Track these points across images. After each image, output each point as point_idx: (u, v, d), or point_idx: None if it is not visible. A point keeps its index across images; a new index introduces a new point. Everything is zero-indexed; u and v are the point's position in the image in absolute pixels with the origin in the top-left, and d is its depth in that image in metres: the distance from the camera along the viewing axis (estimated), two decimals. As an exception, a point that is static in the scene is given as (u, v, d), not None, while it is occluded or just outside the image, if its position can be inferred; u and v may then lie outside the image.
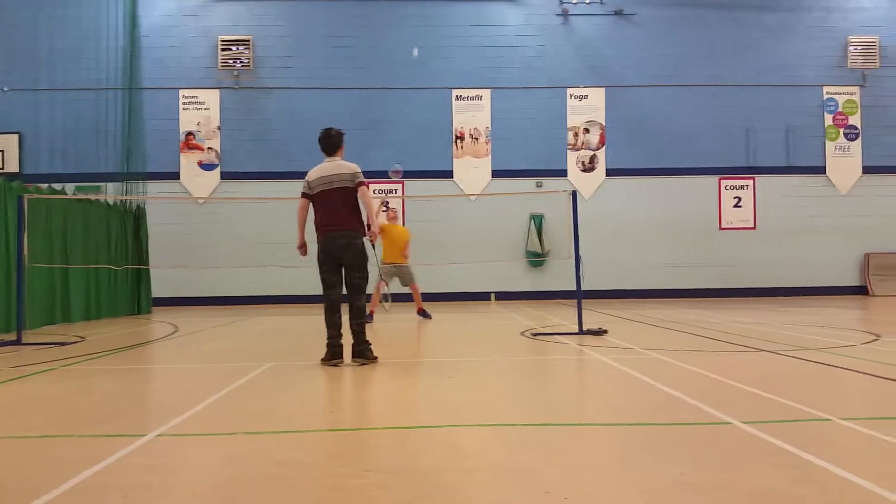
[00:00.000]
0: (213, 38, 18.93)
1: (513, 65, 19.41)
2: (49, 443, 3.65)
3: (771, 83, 19.59)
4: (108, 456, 3.28)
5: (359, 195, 6.49)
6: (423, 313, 11.95)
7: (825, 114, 19.75)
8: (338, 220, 6.39)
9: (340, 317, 6.41)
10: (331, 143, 6.62)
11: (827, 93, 19.76)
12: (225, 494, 2.82)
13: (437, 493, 2.76)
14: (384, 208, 12.70)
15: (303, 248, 6.80)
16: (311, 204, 6.58)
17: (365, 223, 6.55)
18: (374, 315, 11.34)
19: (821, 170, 19.73)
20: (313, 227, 6.50)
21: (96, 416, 4.36)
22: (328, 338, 6.37)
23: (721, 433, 3.65)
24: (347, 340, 6.40)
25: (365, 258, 6.48)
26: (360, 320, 6.42)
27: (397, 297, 15.96)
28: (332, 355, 6.31)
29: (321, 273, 6.44)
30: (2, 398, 5.04)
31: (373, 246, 6.73)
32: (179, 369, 6.74)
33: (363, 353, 6.36)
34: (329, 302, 6.41)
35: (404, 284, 11.91)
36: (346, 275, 6.44)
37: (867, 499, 2.62)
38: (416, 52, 10.25)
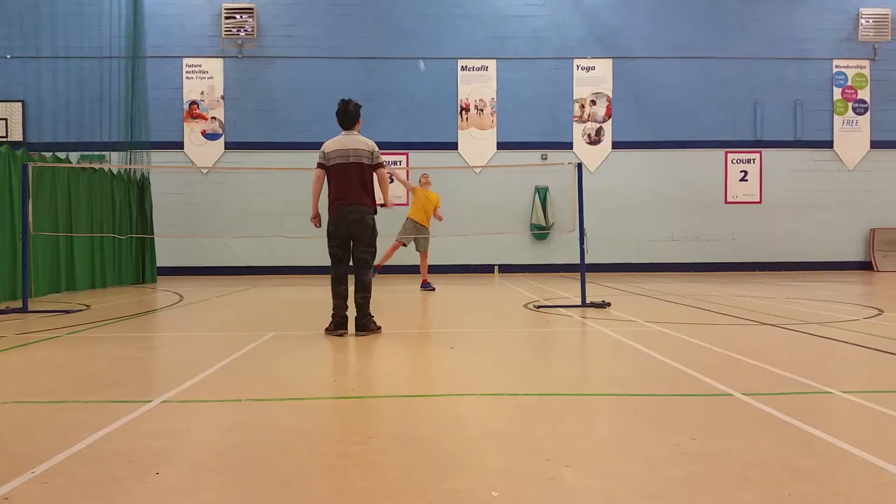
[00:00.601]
0: (217, 6, 18.74)
1: (519, 35, 19.18)
2: (55, 408, 3.69)
3: (779, 56, 19.36)
4: (114, 421, 3.32)
5: (377, 176, 6.68)
6: (426, 285, 12.03)
7: (834, 87, 19.54)
8: (351, 195, 6.46)
9: (346, 288, 6.52)
10: (349, 116, 6.66)
11: (836, 66, 19.52)
12: (230, 460, 2.85)
13: (439, 459, 2.79)
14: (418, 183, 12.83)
15: (317, 218, 6.86)
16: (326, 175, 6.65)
17: (377, 202, 6.68)
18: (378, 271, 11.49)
19: (828, 144, 19.57)
20: (327, 200, 6.55)
21: (101, 382, 4.40)
22: (333, 308, 6.45)
23: (722, 404, 3.67)
24: (352, 312, 6.48)
25: (374, 234, 6.56)
26: (365, 294, 6.49)
27: (401, 269, 16.00)
28: (337, 325, 6.39)
29: (330, 247, 6.52)
30: (8, 364, 5.09)
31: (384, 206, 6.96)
32: (184, 337, 6.79)
33: (366, 325, 6.45)
34: (336, 274, 6.53)
35: (418, 249, 12.19)
36: (354, 248, 6.52)
37: (867, 470, 2.64)
38: (422, 64, 10.40)
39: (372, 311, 6.55)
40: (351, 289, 6.51)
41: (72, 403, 3.78)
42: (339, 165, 6.51)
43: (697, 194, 19.33)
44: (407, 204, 13.19)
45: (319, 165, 6.65)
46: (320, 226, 6.83)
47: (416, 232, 11.95)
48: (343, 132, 6.67)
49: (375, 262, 10.67)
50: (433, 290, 11.92)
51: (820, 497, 2.35)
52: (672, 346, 5.61)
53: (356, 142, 6.58)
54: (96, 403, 3.76)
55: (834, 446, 2.90)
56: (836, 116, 19.54)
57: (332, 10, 18.95)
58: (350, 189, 6.47)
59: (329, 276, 6.62)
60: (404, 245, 12.24)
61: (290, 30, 18.95)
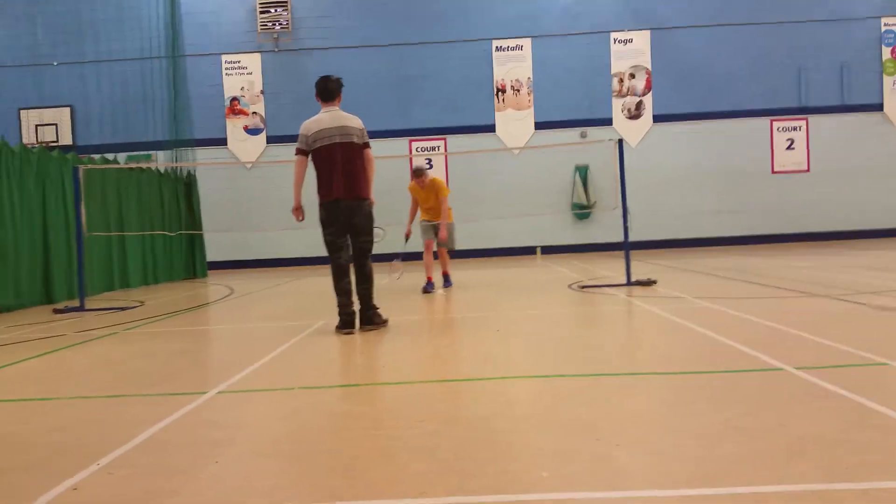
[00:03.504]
0: (251, 1, 18.93)
1: (553, 11, 18.95)
2: (116, 402, 3.82)
3: (822, 18, 18.74)
4: (173, 413, 3.43)
5: (366, 159, 5.93)
6: (430, 285, 9.48)
7: (882, 47, 18.86)
8: (342, 182, 5.79)
9: (349, 282, 5.97)
10: (328, 88, 5.96)
11: (885, 24, 18.82)
12: (286, 447, 2.93)
13: (490, 441, 2.82)
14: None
15: (298, 210, 6.06)
16: (309, 161, 5.96)
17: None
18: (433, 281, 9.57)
19: (878, 107, 18.92)
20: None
21: (159, 375, 4.54)
22: (339, 306, 5.92)
23: (774, 379, 3.63)
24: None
25: (372, 221, 6.01)
26: (368, 285, 6.00)
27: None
28: (345, 324, 5.88)
29: (325, 235, 5.93)
30: (69, 361, 5.28)
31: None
32: (237, 329, 6.94)
33: (371, 318, 5.96)
34: (337, 266, 5.95)
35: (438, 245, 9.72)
36: (353, 239, 5.95)
37: (926, 440, 2.58)
38: (398, 267, 8.10)
39: (406, 299, 6.39)
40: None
41: (132, 397, 3.91)
42: (324, 148, 5.81)
43: (742, 165, 18.91)
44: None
45: (299, 151, 5.93)
46: (303, 219, 6.06)
47: (432, 227, 9.60)
48: (323, 109, 5.94)
49: (427, 275, 9.47)
50: (450, 285, 9.83)
51: (877, 469, 2.32)
52: (721, 322, 5.54)
53: (342, 118, 5.85)
54: (155, 396, 3.89)
55: (891, 419, 2.84)
56: (885, 77, 18.87)
57: (364, -2, 19.00)
58: (339, 175, 5.78)
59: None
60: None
61: (324, 21, 19.04)
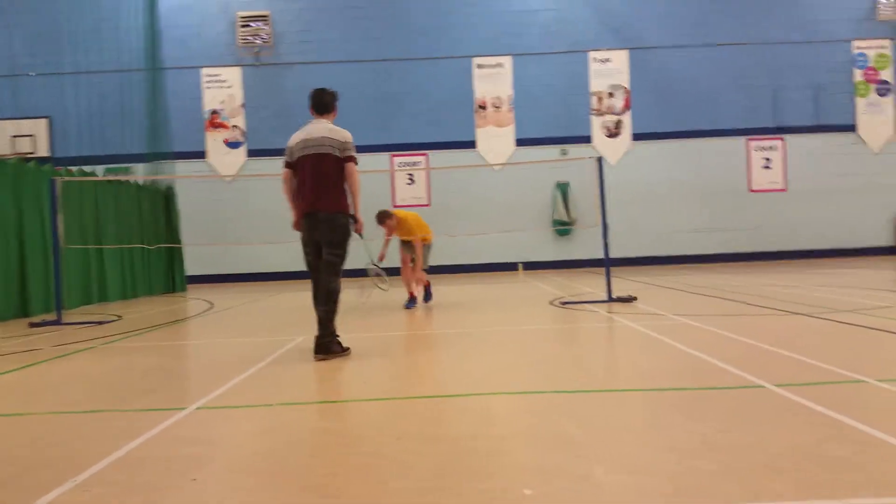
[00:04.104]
0: (232, 15, 18.92)
1: (533, 30, 19.16)
2: (92, 417, 3.77)
3: (797, 40, 19.12)
4: (151, 429, 3.39)
5: (346, 173, 5.52)
6: (414, 300, 9.66)
7: (854, 69, 19.26)
8: (310, 195, 5.46)
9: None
10: (322, 101, 5.72)
11: (857, 47, 19.24)
12: (264, 464, 2.90)
13: (471, 459, 2.81)
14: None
15: (297, 225, 5.70)
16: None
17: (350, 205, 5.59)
18: (416, 297, 9.72)
19: (851, 128, 19.30)
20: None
21: (137, 390, 4.48)
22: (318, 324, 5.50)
23: (753, 396, 3.66)
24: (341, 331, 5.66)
25: (346, 234, 5.51)
26: (330, 307, 5.41)
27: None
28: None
29: (305, 255, 5.59)
30: (46, 376, 5.20)
31: (360, 236, 5.77)
32: (216, 344, 6.88)
33: (327, 346, 5.35)
34: (316, 287, 5.56)
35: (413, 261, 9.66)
36: (323, 251, 5.49)
37: (900, 457, 2.62)
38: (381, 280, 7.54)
39: (386, 314, 6.04)
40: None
41: (109, 412, 3.86)
42: (300, 159, 5.54)
43: (720, 184, 19.17)
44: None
45: (286, 164, 5.65)
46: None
47: (408, 244, 9.60)
48: (313, 120, 5.71)
49: (409, 291, 9.50)
50: (413, 308, 9.39)
51: (853, 485, 2.35)
52: (701, 339, 5.58)
53: (328, 130, 5.56)
54: (132, 412, 3.84)
55: (869, 435, 2.88)
56: (858, 99, 19.26)
57: (345, 13, 19.07)
58: (315, 188, 5.45)
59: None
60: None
61: (305, 35, 19.09)
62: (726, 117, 19.23)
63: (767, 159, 19.28)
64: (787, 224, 19.11)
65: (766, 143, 19.29)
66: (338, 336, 5.49)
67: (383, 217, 9.36)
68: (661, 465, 2.64)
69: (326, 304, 5.40)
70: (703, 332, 5.92)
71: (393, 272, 9.60)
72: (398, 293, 10.42)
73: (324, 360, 5.28)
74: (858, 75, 19.27)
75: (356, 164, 5.60)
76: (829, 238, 19.08)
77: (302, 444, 3.17)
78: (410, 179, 18.72)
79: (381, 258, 9.21)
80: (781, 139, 19.28)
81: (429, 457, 2.84)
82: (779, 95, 19.20)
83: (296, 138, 5.64)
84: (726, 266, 17.02)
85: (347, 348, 5.53)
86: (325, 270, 5.46)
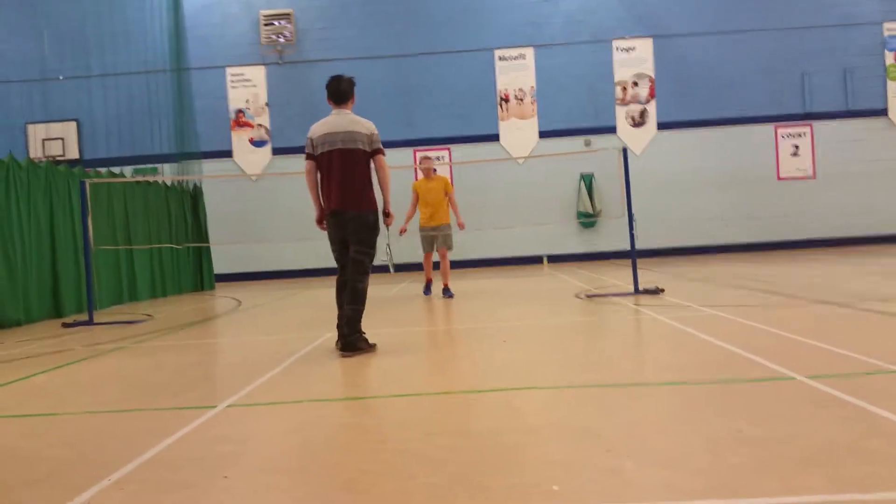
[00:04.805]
0: (255, 14, 19.03)
1: (555, 20, 19.01)
2: (125, 416, 3.83)
3: (825, 23, 18.76)
4: (182, 427, 3.43)
5: (377, 166, 5.48)
6: (447, 291, 10.05)
7: (885, 52, 18.86)
8: (337, 192, 5.40)
9: None
10: (340, 89, 5.55)
11: (888, 29, 18.82)
12: (295, 461, 2.93)
13: (500, 454, 2.81)
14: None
15: (320, 222, 5.69)
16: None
17: (380, 200, 5.56)
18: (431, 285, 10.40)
19: (882, 112, 18.90)
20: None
21: (169, 389, 4.55)
22: (338, 318, 5.52)
23: (784, 388, 3.61)
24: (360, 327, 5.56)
25: (374, 231, 5.49)
26: (357, 305, 5.40)
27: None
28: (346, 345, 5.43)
29: (332, 251, 5.61)
30: (78, 375, 5.29)
31: (387, 228, 5.78)
32: (245, 341, 6.95)
33: (354, 343, 5.35)
34: (341, 282, 5.57)
35: (438, 247, 10.01)
36: (350, 248, 5.48)
37: (937, 449, 2.57)
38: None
39: (412, 309, 6.11)
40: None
41: (141, 412, 3.92)
42: (325, 154, 5.42)
43: (748, 172, 18.90)
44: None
45: (308, 157, 5.54)
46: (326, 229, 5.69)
47: (432, 234, 10.02)
48: (333, 111, 5.56)
49: (427, 277, 10.35)
50: (452, 296, 9.87)
51: (887, 480, 2.31)
52: (730, 330, 5.52)
53: (351, 122, 5.44)
54: (165, 411, 3.89)
55: (902, 426, 2.83)
56: (889, 82, 18.85)
57: (366, 9, 19.08)
58: (343, 185, 5.37)
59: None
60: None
61: (327, 33, 19.14)
62: (753, 104, 18.94)
63: (796, 146, 18.97)
64: (817, 212, 18.80)
65: (795, 130, 18.97)
66: (363, 333, 5.49)
67: (429, 160, 10.37)
68: (691, 459, 2.62)
69: (354, 302, 5.38)
70: (732, 324, 5.86)
71: (411, 267, 10.14)
72: (416, 287, 10.60)
73: (350, 356, 5.28)
74: (890, 58, 18.86)
75: (384, 155, 5.54)
76: (860, 226, 18.73)
77: (331, 440, 3.20)
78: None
79: (402, 232, 9.83)
80: (810, 125, 18.95)
81: (457, 452, 2.85)
82: (807, 81, 18.86)
83: (318, 130, 5.51)
84: (754, 255, 16.80)
85: (374, 344, 5.53)
86: (352, 269, 5.43)
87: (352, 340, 5.35)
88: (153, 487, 2.64)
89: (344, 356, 5.29)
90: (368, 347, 5.45)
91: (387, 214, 5.64)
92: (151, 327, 8.29)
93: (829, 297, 7.27)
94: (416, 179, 10.05)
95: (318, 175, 5.55)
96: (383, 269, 7.43)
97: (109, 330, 8.21)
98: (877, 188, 18.68)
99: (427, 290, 10.37)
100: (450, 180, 10.43)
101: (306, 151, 5.57)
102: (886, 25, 18.83)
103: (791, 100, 18.95)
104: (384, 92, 18.60)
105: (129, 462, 2.91)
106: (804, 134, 18.95)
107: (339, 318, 5.49)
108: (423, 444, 2.98)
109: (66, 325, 8.76)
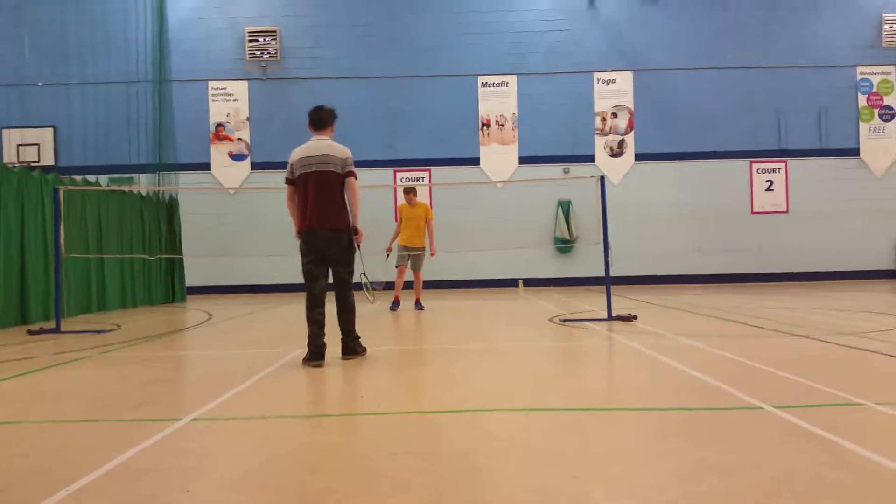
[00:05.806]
0: (240, 30, 19.06)
1: (539, 50, 19.28)
2: (88, 427, 3.75)
3: (802, 64, 19.21)
4: (145, 439, 3.37)
5: (346, 186, 5.82)
6: (418, 304, 11.48)
7: (859, 94, 19.34)
8: (315, 211, 5.73)
9: (323, 312, 5.77)
10: (321, 117, 5.97)
11: (861, 73, 19.33)
12: (260, 477, 2.88)
13: (468, 476, 2.79)
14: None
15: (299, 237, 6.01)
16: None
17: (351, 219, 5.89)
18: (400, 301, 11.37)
19: (854, 152, 19.35)
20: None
21: (133, 401, 4.46)
22: (309, 336, 5.69)
23: (752, 418, 3.63)
24: (330, 339, 5.89)
25: (352, 251, 5.93)
26: (350, 316, 5.96)
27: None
28: (313, 356, 5.65)
29: (304, 264, 5.85)
30: (42, 384, 5.18)
31: (358, 247, 6.04)
32: (213, 355, 6.86)
33: (353, 348, 5.98)
34: (312, 297, 5.78)
35: (412, 268, 11.36)
36: (332, 270, 5.93)
37: (900, 482, 2.59)
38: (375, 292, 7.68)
39: (384, 328, 6.45)
40: (333, 311, 5.91)
41: (104, 422, 3.84)
42: (302, 176, 5.79)
43: (722, 205, 19.19)
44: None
45: (288, 181, 5.92)
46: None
47: (407, 254, 11.21)
48: (313, 137, 5.95)
49: (395, 294, 11.19)
50: (422, 308, 11.28)
51: (853, 511, 2.32)
52: (700, 359, 5.56)
53: (328, 147, 5.82)
54: (128, 422, 3.82)
55: (867, 459, 2.86)
56: (861, 124, 19.32)
57: (352, 31, 19.20)
58: (313, 205, 5.72)
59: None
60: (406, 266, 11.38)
61: (313, 51, 19.21)
62: (729, 140, 19.29)
63: (770, 182, 19.31)
64: (789, 246, 19.11)
65: (769, 166, 19.33)
66: (360, 337, 6.08)
67: (412, 189, 11.30)
68: (659, 487, 2.62)
69: (347, 314, 5.98)
70: (702, 353, 5.90)
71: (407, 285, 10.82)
72: (403, 306, 10.96)
73: (349, 359, 5.89)
74: (862, 101, 19.34)
75: (356, 178, 5.94)
76: (831, 261, 19.06)
77: (298, 458, 3.15)
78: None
79: (388, 252, 11.14)
80: (784, 162, 19.32)
81: (426, 474, 2.82)
82: (782, 119, 19.26)
83: (296, 155, 5.88)
84: (727, 287, 16.99)
85: (365, 349, 6.14)
86: (339, 288, 5.97)
87: (351, 346, 5.99)
88: (112, 500, 2.58)
89: (344, 359, 5.89)
90: (363, 350, 6.09)
91: (355, 231, 5.94)
92: (119, 337, 8.15)
93: (798, 329, 7.36)
94: (398, 203, 11.44)
95: (297, 197, 5.91)
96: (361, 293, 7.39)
97: (76, 339, 8.06)
98: (847, 226, 19.06)
99: (394, 306, 11.18)
100: (430, 206, 11.43)
101: (286, 176, 5.96)
102: (860, 69, 19.34)
103: (767, 137, 19.33)
104: (367, 112, 18.66)
105: (89, 473, 2.84)
106: (779, 170, 19.31)
107: (312, 334, 5.71)
108: (391, 465, 2.95)
109: (31, 333, 8.59)
